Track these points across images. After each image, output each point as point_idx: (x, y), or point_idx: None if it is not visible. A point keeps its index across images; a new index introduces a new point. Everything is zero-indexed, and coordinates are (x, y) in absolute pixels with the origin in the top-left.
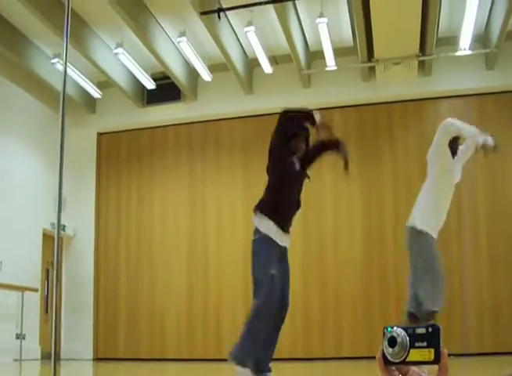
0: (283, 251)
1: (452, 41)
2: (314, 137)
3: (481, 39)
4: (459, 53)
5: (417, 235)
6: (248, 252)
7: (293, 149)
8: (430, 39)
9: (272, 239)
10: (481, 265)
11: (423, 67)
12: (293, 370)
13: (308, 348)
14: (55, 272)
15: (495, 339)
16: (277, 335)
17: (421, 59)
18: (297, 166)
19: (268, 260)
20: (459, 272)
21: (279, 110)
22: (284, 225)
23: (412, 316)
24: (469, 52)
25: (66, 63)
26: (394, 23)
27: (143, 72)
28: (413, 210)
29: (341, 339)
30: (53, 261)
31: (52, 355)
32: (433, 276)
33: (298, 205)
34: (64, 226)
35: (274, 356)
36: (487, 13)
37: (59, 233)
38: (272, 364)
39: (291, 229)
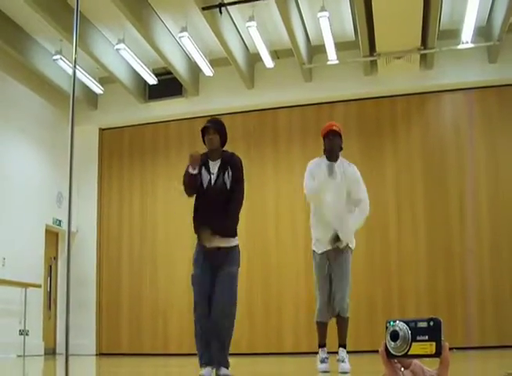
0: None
1: (453, 34)
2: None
3: (483, 32)
4: (461, 46)
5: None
6: (250, 246)
7: (205, 143)
8: (431, 32)
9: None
10: (483, 258)
11: (425, 61)
12: (296, 364)
13: (310, 342)
14: (60, 267)
15: (497, 332)
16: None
17: (423, 52)
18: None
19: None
20: (460, 266)
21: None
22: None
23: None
24: (471, 46)
25: (75, 66)
26: (396, 16)
27: (145, 67)
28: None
29: None
30: (56, 257)
31: (65, 350)
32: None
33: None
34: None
35: (277, 351)
36: (489, 6)
37: (69, 229)
38: (275, 358)
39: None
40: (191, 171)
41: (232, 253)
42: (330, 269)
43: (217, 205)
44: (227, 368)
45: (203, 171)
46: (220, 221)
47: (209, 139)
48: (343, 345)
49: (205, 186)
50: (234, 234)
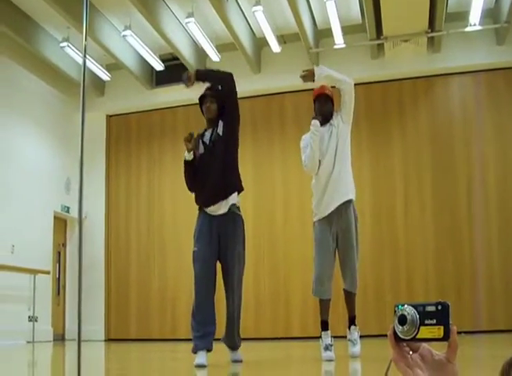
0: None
1: (461, 16)
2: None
3: (491, 14)
4: (468, 29)
5: (354, 209)
6: (257, 231)
7: (203, 113)
8: (439, 15)
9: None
10: (492, 240)
11: (433, 44)
12: (304, 348)
13: (318, 327)
14: (68, 253)
15: (506, 316)
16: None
17: (430, 35)
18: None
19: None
20: (469, 248)
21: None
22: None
23: (352, 295)
24: (479, 28)
25: (85, 56)
26: None
27: (152, 54)
28: (343, 183)
29: None
30: (64, 243)
31: (77, 335)
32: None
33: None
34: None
35: (285, 335)
36: None
37: (81, 216)
38: (282, 343)
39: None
40: (185, 156)
41: (236, 224)
42: (334, 237)
43: (215, 166)
44: (237, 349)
45: (200, 145)
46: (220, 176)
47: (206, 108)
48: (353, 319)
49: (202, 152)
50: (236, 186)
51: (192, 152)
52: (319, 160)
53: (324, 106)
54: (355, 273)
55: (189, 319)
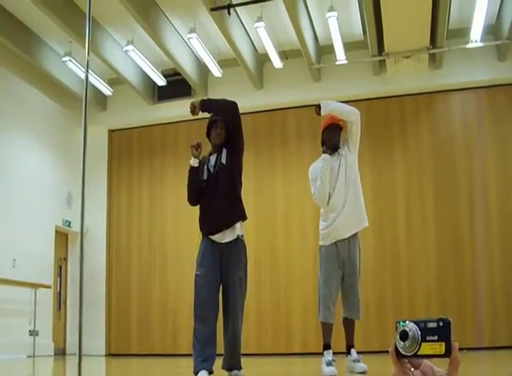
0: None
1: (463, 33)
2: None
3: (493, 30)
4: (470, 45)
5: (359, 240)
6: (258, 246)
7: (209, 137)
8: (440, 31)
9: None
10: (494, 255)
11: (434, 60)
12: (305, 364)
13: (319, 343)
14: (69, 268)
15: (508, 332)
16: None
17: (432, 51)
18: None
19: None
20: (471, 263)
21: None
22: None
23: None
24: (480, 44)
25: (87, 71)
26: (405, 15)
27: (154, 69)
28: (353, 215)
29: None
30: (66, 258)
31: (78, 350)
32: None
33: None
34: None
35: (286, 351)
36: (498, 4)
37: (82, 230)
38: (284, 358)
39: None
40: (191, 162)
41: (239, 250)
42: (340, 264)
43: (218, 195)
44: (239, 370)
45: (204, 169)
46: (223, 206)
47: (216, 132)
48: (353, 345)
49: (205, 178)
50: (240, 216)
51: (197, 159)
52: (329, 193)
53: (333, 135)
54: (359, 302)
55: (191, 335)
